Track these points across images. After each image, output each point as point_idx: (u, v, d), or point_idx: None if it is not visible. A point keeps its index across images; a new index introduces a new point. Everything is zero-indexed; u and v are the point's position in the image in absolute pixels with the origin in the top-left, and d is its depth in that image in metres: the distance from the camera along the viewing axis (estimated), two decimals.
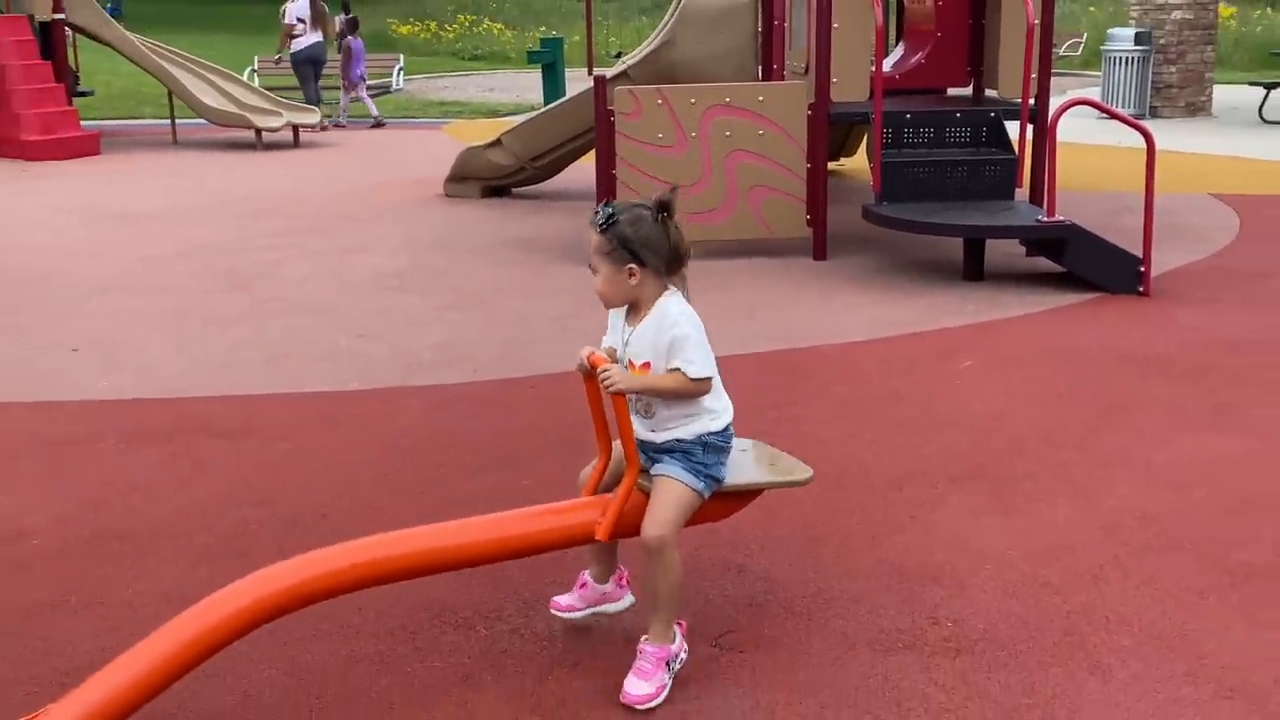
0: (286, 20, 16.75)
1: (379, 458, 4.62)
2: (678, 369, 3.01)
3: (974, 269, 7.38)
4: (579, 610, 3.30)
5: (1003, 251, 7.78)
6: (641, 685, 2.98)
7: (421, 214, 10.23)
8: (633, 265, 3.01)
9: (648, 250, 3.02)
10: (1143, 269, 6.93)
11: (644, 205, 3.06)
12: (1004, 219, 7.39)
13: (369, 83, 18.61)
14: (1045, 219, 7.08)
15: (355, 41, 17.62)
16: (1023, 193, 7.92)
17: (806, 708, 2.91)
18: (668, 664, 3.03)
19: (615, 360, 3.08)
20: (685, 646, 3.11)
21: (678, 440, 3.07)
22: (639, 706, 2.95)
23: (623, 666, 3.06)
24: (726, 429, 3.13)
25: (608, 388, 2.96)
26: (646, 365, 3.04)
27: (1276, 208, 9.80)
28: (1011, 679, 3.04)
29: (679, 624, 3.12)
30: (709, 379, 3.06)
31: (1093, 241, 7.04)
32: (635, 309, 3.09)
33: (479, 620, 3.34)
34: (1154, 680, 3.02)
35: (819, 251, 8.02)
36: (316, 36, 16.95)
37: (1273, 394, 5.25)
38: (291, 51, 16.95)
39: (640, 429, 3.10)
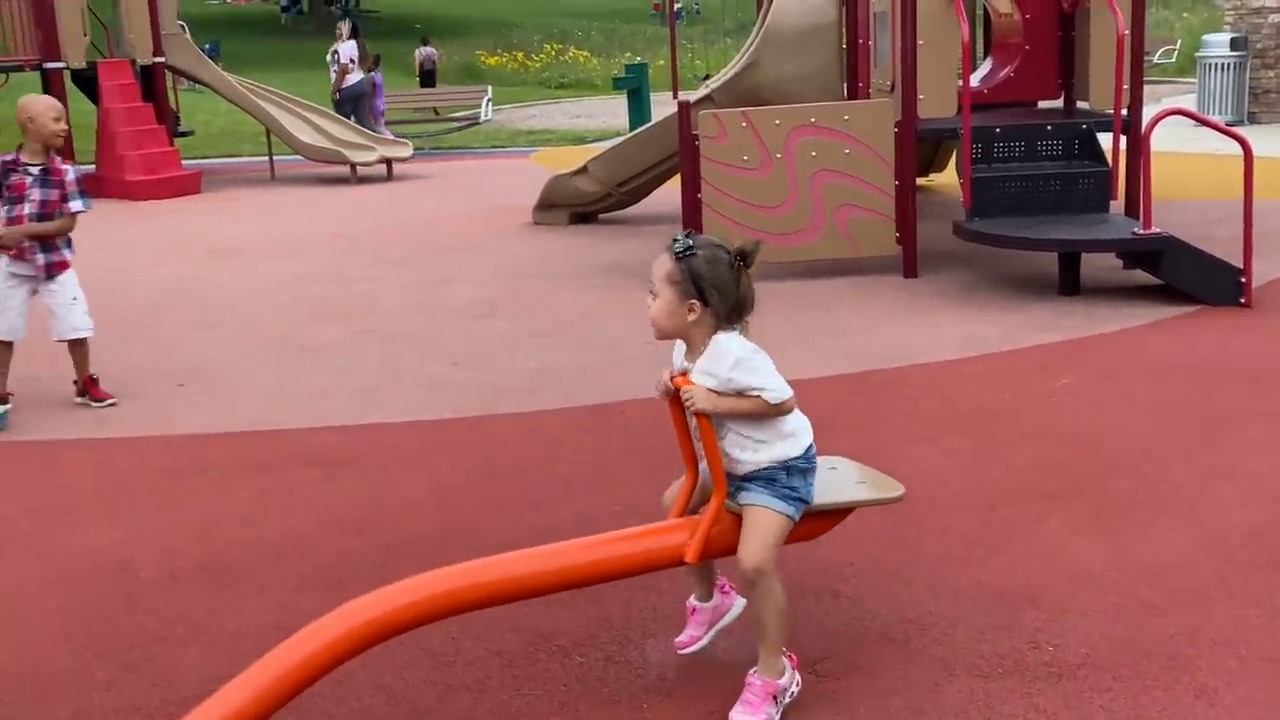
0: (343, 60, 17.59)
1: (473, 485, 4.67)
2: (757, 397, 2.99)
3: (1069, 283, 7.27)
4: (702, 638, 3.28)
5: (1099, 265, 7.66)
6: (746, 717, 2.97)
7: (511, 242, 10.35)
8: (695, 301, 2.99)
9: (715, 292, 2.98)
10: (1243, 279, 6.78)
11: (725, 247, 3.03)
12: (1099, 232, 7.27)
13: (459, 114, 19.16)
14: (1141, 231, 6.95)
15: (377, 76, 18.86)
16: (1118, 205, 7.79)
17: None
18: (775, 698, 3.00)
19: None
20: (798, 679, 3.08)
21: (760, 469, 3.06)
22: None
23: (719, 693, 3.06)
24: (808, 450, 3.10)
25: (689, 407, 2.97)
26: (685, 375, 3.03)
27: None
28: (1115, 704, 2.97)
29: (789, 657, 3.09)
30: (789, 399, 3.03)
31: (1191, 253, 6.90)
32: (690, 347, 3.08)
33: (574, 648, 3.36)
34: (1263, 704, 2.94)
35: (909, 269, 7.96)
36: (360, 74, 18.05)
37: None
38: (342, 89, 17.65)
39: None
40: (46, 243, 5.80)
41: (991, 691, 3.05)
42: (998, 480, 4.46)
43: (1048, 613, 3.44)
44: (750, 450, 3.05)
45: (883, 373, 5.96)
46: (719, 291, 2.99)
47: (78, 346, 6.02)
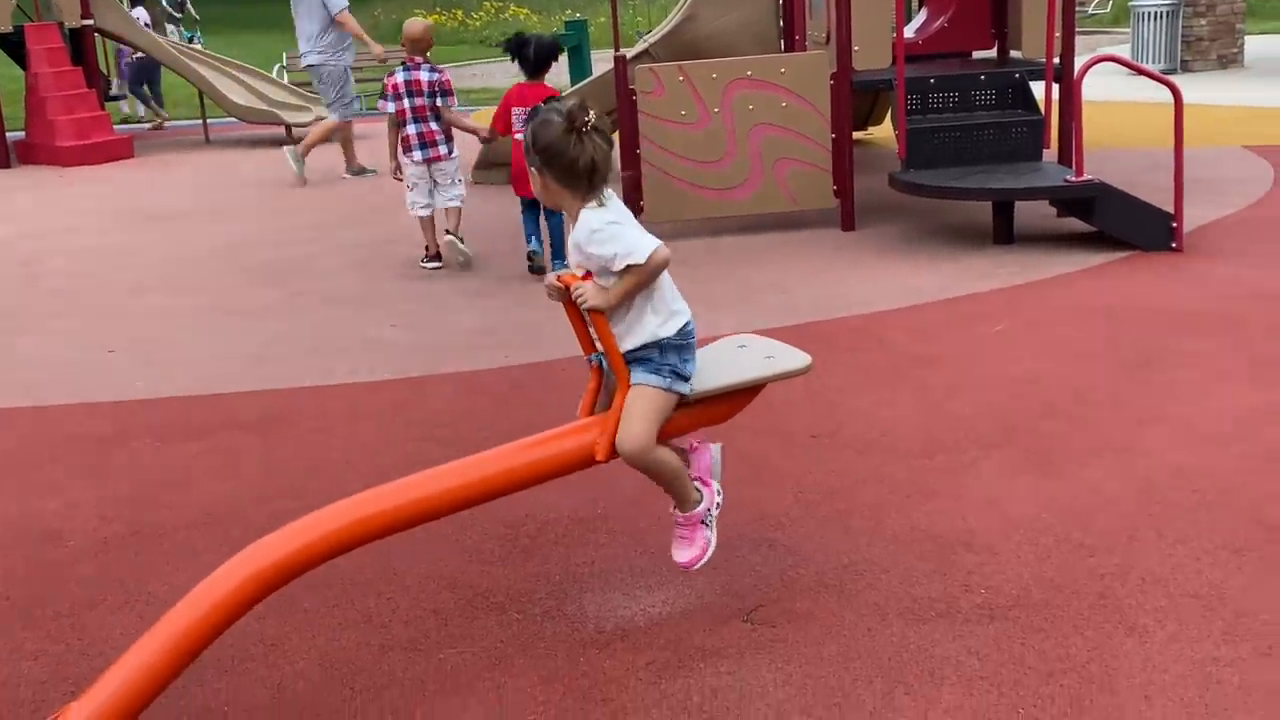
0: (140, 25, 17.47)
1: (413, 446, 4.64)
2: (628, 266, 3.00)
3: (1004, 232, 7.31)
4: (716, 498, 3.33)
5: (1033, 213, 7.70)
6: (686, 551, 3.21)
7: None
8: (533, 169, 3.04)
9: (546, 156, 3.00)
10: (1175, 225, 6.84)
11: (560, 111, 3.00)
12: (1032, 180, 7.30)
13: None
14: (1073, 178, 6.99)
15: None
16: (1051, 153, 7.83)
17: (839, 680, 2.90)
18: (703, 522, 3.21)
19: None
20: (718, 492, 3.29)
21: (635, 350, 3.11)
22: (691, 569, 3.22)
23: (656, 645, 3.08)
24: (684, 329, 3.13)
25: (582, 305, 2.99)
26: (588, 275, 3.05)
27: None
28: (1046, 643, 3.01)
29: (701, 482, 3.24)
30: (656, 252, 3.00)
31: (1123, 199, 6.95)
32: (571, 221, 3.12)
33: (511, 604, 3.35)
34: (1191, 640, 2.99)
35: (847, 222, 7.96)
36: None
37: None
38: (138, 56, 17.18)
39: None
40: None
41: (924, 634, 3.08)
42: (934, 427, 4.49)
43: (980, 556, 3.47)
44: (625, 326, 3.09)
45: (821, 324, 5.97)
46: (549, 156, 3.00)
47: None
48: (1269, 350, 5.14)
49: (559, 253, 7.07)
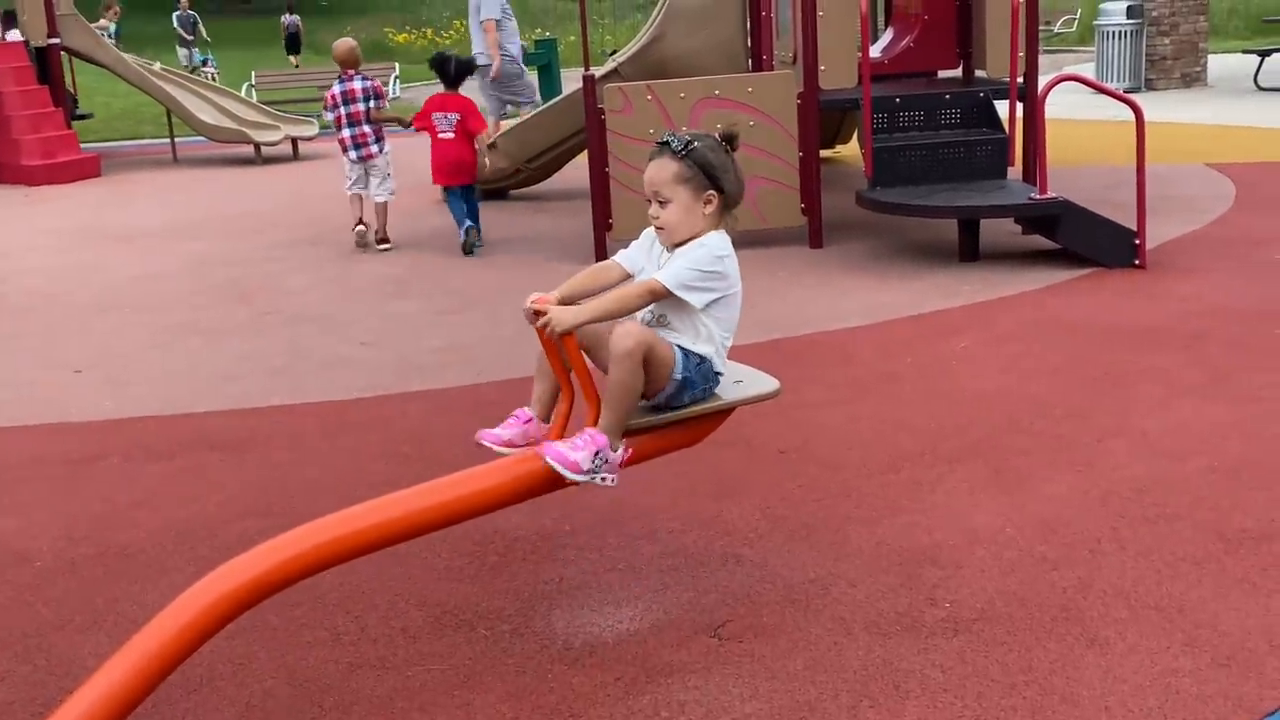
0: None
1: (382, 464, 4.65)
2: (658, 279, 3.07)
3: (969, 250, 7.39)
4: (518, 445, 3.27)
5: (999, 231, 7.79)
6: (568, 451, 3.00)
7: (420, 220, 10.26)
8: (712, 192, 3.06)
9: (728, 177, 3.07)
10: (1137, 242, 6.93)
11: (711, 136, 3.12)
12: (996, 198, 7.38)
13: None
14: (1037, 196, 7.08)
15: None
16: (1016, 171, 7.92)
17: (805, 694, 2.93)
18: (598, 454, 3.02)
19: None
20: (616, 478, 3.10)
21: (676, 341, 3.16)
22: (554, 464, 2.98)
23: (625, 660, 3.10)
24: (716, 370, 3.20)
25: (552, 330, 3.01)
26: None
27: (1272, 175, 9.79)
28: (1009, 656, 3.05)
29: (627, 449, 3.13)
30: (662, 293, 3.07)
31: (1086, 216, 7.04)
32: (687, 241, 3.13)
33: (479, 621, 3.36)
34: (1151, 651, 3.03)
35: (814, 240, 8.03)
36: None
37: (1269, 360, 5.25)
38: None
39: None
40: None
41: (890, 648, 3.11)
42: (900, 443, 4.53)
43: (945, 570, 3.51)
44: (689, 337, 3.15)
45: (790, 341, 6.02)
46: (728, 174, 3.08)
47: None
48: (1227, 365, 5.22)
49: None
